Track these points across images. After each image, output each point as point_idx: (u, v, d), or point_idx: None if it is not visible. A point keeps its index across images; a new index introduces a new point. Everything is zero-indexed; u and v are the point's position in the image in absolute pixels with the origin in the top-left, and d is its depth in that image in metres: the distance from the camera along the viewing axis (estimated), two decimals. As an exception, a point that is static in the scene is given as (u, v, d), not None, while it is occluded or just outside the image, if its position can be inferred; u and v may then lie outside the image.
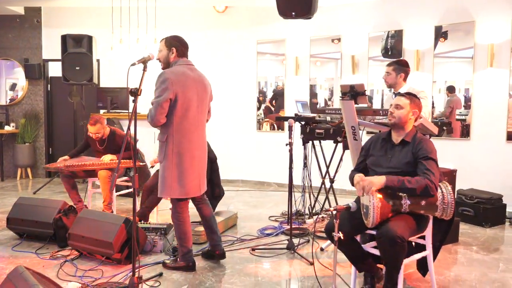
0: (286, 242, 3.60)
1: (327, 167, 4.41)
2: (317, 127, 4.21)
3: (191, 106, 2.94)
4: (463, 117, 5.14)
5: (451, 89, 5.25)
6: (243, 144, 6.71)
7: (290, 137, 3.52)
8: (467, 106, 5.10)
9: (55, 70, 7.05)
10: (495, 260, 3.41)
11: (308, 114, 4.51)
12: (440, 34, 5.25)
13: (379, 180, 2.42)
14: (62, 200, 3.82)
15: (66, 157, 4.47)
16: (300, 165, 4.46)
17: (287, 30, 6.30)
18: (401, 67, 3.54)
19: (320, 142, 4.49)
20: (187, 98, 2.91)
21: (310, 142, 4.44)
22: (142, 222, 3.83)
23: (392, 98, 3.62)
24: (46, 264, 3.23)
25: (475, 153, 5.00)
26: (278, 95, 6.57)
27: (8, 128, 6.99)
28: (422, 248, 2.74)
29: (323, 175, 4.44)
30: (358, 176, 2.52)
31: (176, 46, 2.98)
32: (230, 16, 6.74)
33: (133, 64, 2.59)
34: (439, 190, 2.49)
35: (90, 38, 5.86)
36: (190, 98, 2.93)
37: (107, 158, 4.32)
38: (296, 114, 4.41)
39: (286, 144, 3.56)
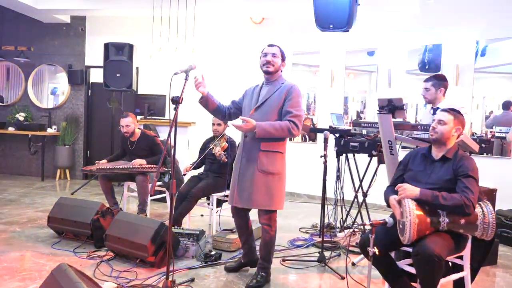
0: (317, 254, 3.58)
1: (361, 181, 4.37)
2: (351, 140, 4.18)
3: None
4: (503, 135, 4.97)
5: (506, 106, 5.02)
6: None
7: (325, 149, 3.51)
8: (508, 123, 4.94)
9: (96, 76, 7.34)
10: (537, 285, 3.27)
11: (343, 126, 4.49)
12: (481, 48, 5.12)
13: (414, 190, 2.40)
14: (100, 202, 3.95)
15: (104, 161, 4.62)
16: (333, 178, 4.44)
17: (322, 41, 6.32)
18: (440, 81, 3.48)
19: (354, 155, 4.46)
20: None
21: (344, 154, 4.41)
22: (176, 227, 3.90)
23: (430, 113, 3.56)
24: (83, 263, 3.34)
25: (516, 173, 4.82)
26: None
27: (50, 131, 7.30)
28: (459, 268, 2.67)
29: (356, 188, 4.40)
30: (393, 199, 2.51)
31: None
32: (266, 27, 6.83)
33: (176, 73, 2.65)
34: (479, 209, 2.43)
35: (131, 47, 6.08)
36: None
37: (137, 162, 4.44)
38: (330, 126, 4.39)
39: (321, 156, 3.55)
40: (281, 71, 3.02)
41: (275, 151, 2.92)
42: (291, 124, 2.87)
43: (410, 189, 2.42)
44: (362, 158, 4.37)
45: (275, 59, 2.94)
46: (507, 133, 4.92)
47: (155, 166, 4.43)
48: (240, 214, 3.15)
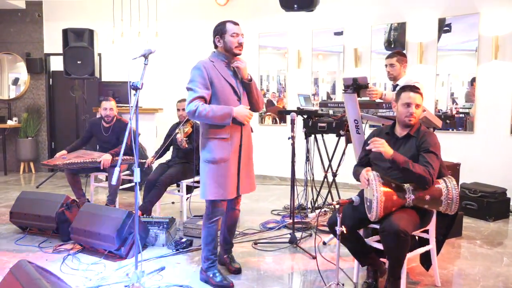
0: (289, 236, 3.59)
1: (330, 160, 4.40)
2: (319, 121, 4.19)
3: None
4: (467, 110, 5.10)
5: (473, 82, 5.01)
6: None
7: (292, 130, 3.50)
8: (471, 99, 5.06)
9: (56, 64, 7.04)
10: (499, 254, 3.40)
11: (311, 107, 4.49)
12: (444, 26, 5.20)
13: (389, 149, 2.40)
14: (65, 194, 3.82)
15: (64, 151, 4.43)
16: (303, 159, 4.45)
17: (289, 23, 6.25)
18: (403, 57, 3.52)
19: (322, 136, 4.47)
20: None
21: (313, 135, 4.42)
22: (145, 216, 3.83)
23: (391, 91, 3.57)
24: (49, 258, 3.24)
25: (479, 147, 4.97)
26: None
27: (10, 123, 6.99)
28: (425, 242, 2.73)
29: (326, 169, 4.43)
30: (364, 170, 2.51)
31: None
32: (231, 9, 6.69)
33: (135, 58, 2.56)
34: (443, 185, 2.47)
35: (91, 32, 5.83)
36: None
37: (105, 162, 4.17)
38: (298, 108, 4.38)
39: (289, 138, 3.54)
40: None
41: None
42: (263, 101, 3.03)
43: (386, 146, 2.41)
44: (330, 138, 4.39)
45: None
46: (470, 108, 5.04)
47: (128, 157, 4.31)
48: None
